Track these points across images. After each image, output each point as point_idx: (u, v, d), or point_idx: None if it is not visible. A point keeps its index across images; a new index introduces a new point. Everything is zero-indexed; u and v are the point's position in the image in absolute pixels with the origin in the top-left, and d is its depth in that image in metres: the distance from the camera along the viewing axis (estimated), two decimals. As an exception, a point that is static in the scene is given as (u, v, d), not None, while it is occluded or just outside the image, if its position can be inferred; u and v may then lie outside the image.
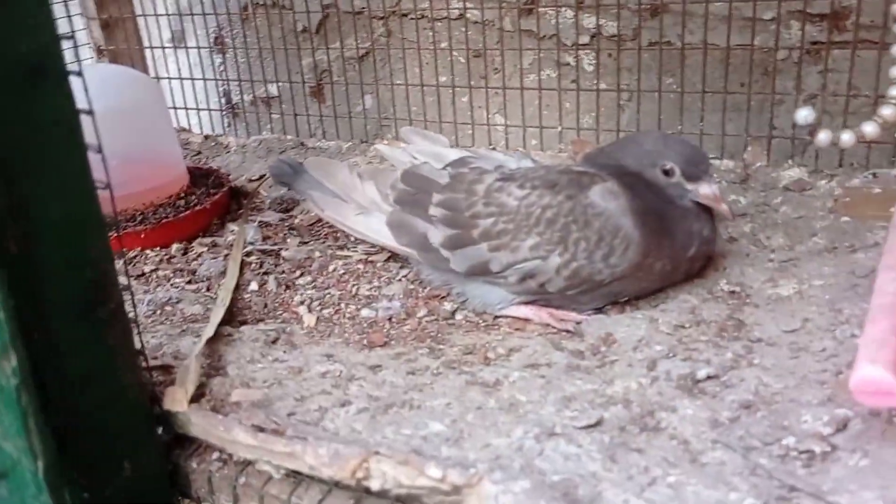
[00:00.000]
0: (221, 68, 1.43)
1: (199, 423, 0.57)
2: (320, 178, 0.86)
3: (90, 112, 0.52)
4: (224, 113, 1.44)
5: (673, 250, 0.72)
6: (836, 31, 0.93)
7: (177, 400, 0.58)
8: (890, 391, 0.42)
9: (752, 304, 0.72)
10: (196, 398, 0.60)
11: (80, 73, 0.51)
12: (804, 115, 0.67)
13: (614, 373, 0.63)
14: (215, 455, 0.59)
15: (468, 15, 1.16)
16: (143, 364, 0.58)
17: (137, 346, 0.57)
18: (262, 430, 0.55)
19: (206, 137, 1.31)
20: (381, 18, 1.26)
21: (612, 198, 0.71)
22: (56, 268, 0.50)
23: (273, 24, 1.29)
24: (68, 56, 0.51)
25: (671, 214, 0.72)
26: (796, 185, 0.87)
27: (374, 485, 0.49)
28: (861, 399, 0.44)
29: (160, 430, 0.59)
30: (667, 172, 0.73)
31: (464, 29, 1.16)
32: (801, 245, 0.78)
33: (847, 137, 0.68)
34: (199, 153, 1.27)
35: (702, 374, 0.62)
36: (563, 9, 1.08)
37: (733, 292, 0.74)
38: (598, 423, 0.56)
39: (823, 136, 0.69)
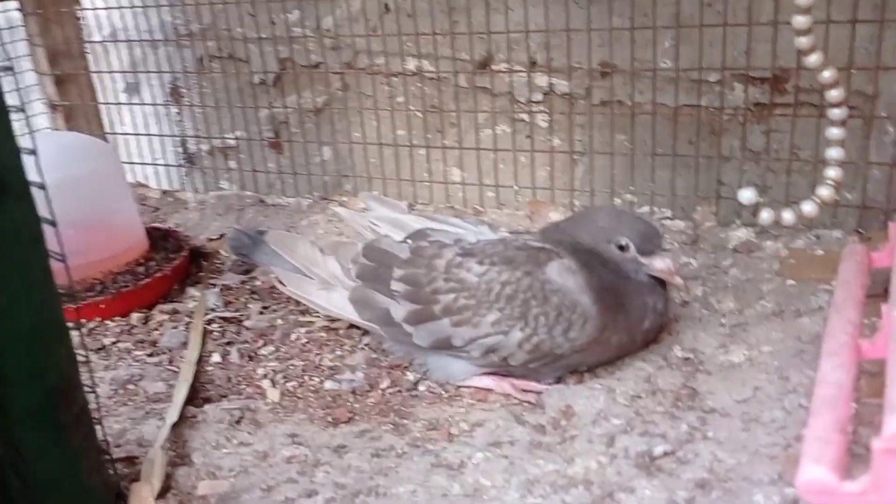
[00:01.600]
0: (178, 119, 1.43)
1: (165, 522, 0.57)
2: (281, 251, 0.87)
3: (54, 223, 0.52)
4: (181, 164, 1.44)
5: (628, 324, 0.74)
6: (778, 94, 0.96)
7: (143, 497, 0.58)
8: (834, 491, 0.45)
9: (705, 370, 0.74)
10: (162, 492, 0.60)
11: (42, 186, 0.51)
12: (747, 195, 0.70)
13: (575, 450, 0.65)
14: (182, 548, 0.59)
15: (424, 72, 1.18)
16: (107, 458, 0.59)
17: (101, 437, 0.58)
18: (229, 529, 0.55)
19: (164, 193, 1.31)
20: (338, 73, 1.27)
21: (569, 274, 0.73)
22: (20, 376, 0.51)
23: (230, 76, 1.30)
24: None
25: (625, 289, 0.74)
26: (744, 246, 0.90)
27: (343, 586, 0.50)
28: (807, 498, 0.46)
29: (126, 527, 0.59)
30: (622, 248, 0.75)
31: (420, 84, 1.18)
32: (750, 309, 0.81)
33: (788, 216, 0.71)
34: (157, 209, 1.26)
35: (658, 450, 0.64)
36: (516, 66, 1.11)
37: (687, 359, 0.76)
38: (560, 509, 0.58)
39: (766, 215, 0.72)
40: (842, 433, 0.48)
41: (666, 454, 0.63)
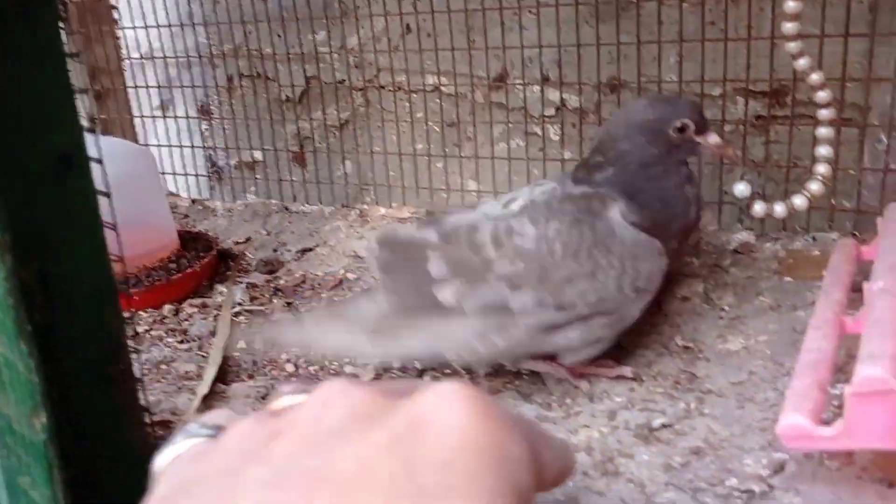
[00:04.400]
0: (207, 134, 1.50)
1: (200, 474, 0.62)
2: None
3: (108, 194, 0.58)
4: (209, 177, 1.51)
5: (677, 227, 0.75)
6: (778, 107, 1.02)
7: (179, 453, 0.63)
8: (810, 435, 0.49)
9: (704, 358, 0.79)
10: (196, 451, 0.65)
11: (100, 161, 0.57)
12: (741, 189, 0.75)
13: (578, 423, 0.70)
14: None
15: (442, 88, 1.25)
16: (147, 420, 0.64)
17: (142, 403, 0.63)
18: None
19: (194, 202, 1.37)
20: (360, 90, 1.34)
21: (629, 220, 0.73)
22: (77, 332, 0.56)
23: (258, 93, 1.37)
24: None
25: (669, 188, 0.75)
26: (744, 247, 0.95)
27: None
28: (787, 443, 0.51)
29: (162, 482, 0.64)
30: (681, 130, 0.74)
31: (438, 100, 1.25)
32: (748, 304, 0.86)
33: (780, 209, 0.76)
34: (187, 216, 1.33)
35: (657, 423, 0.68)
36: (530, 84, 1.17)
37: (687, 347, 0.81)
38: (563, 470, 0.62)
39: (759, 208, 0.76)
40: (821, 391, 0.52)
41: (664, 426, 0.68)
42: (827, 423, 0.50)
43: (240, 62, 1.41)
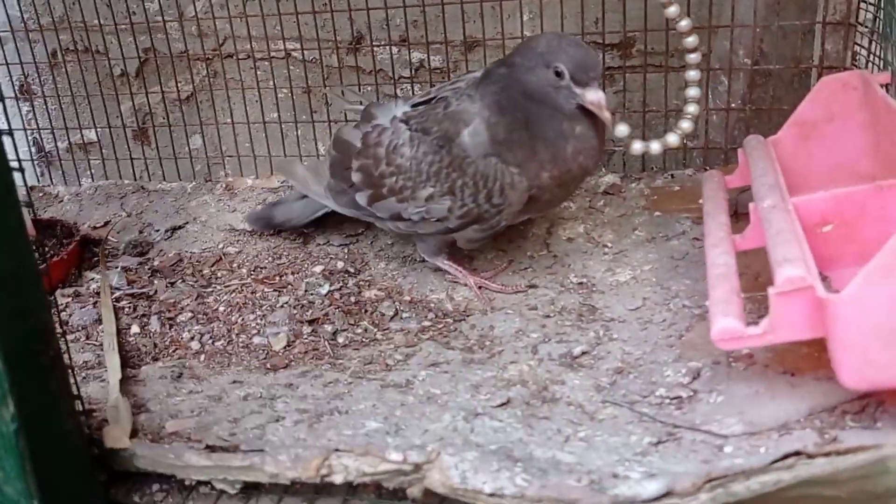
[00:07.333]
0: (30, 117, 1.38)
1: (146, 455, 0.59)
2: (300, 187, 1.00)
3: (21, 170, 0.54)
4: (37, 162, 1.39)
5: (556, 155, 0.77)
6: (627, 58, 1.10)
7: (117, 437, 0.60)
8: (742, 335, 0.55)
9: (599, 290, 0.85)
10: (131, 435, 0.62)
11: (10, 133, 0.53)
12: (622, 129, 0.81)
13: (505, 360, 0.73)
14: (155, 486, 0.62)
15: (294, 54, 1.22)
16: (79, 405, 0.60)
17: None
18: (214, 449, 0.59)
19: (32, 188, 1.26)
20: (205, 60, 1.28)
21: (479, 140, 0.79)
22: (3, 319, 0.52)
23: (87, 69, 1.27)
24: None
25: (547, 124, 0.77)
26: (613, 188, 1.02)
27: (338, 478, 0.55)
28: (721, 346, 0.57)
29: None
30: (558, 74, 0.75)
31: (291, 68, 1.22)
32: (626, 238, 0.93)
33: (656, 146, 0.82)
34: (29, 205, 1.22)
35: (577, 350, 0.73)
36: (387, 44, 1.18)
37: (581, 283, 0.86)
38: (508, 402, 0.66)
39: (637, 146, 0.83)
40: (739, 297, 0.59)
41: (584, 353, 0.73)
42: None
43: (64, 36, 1.30)
